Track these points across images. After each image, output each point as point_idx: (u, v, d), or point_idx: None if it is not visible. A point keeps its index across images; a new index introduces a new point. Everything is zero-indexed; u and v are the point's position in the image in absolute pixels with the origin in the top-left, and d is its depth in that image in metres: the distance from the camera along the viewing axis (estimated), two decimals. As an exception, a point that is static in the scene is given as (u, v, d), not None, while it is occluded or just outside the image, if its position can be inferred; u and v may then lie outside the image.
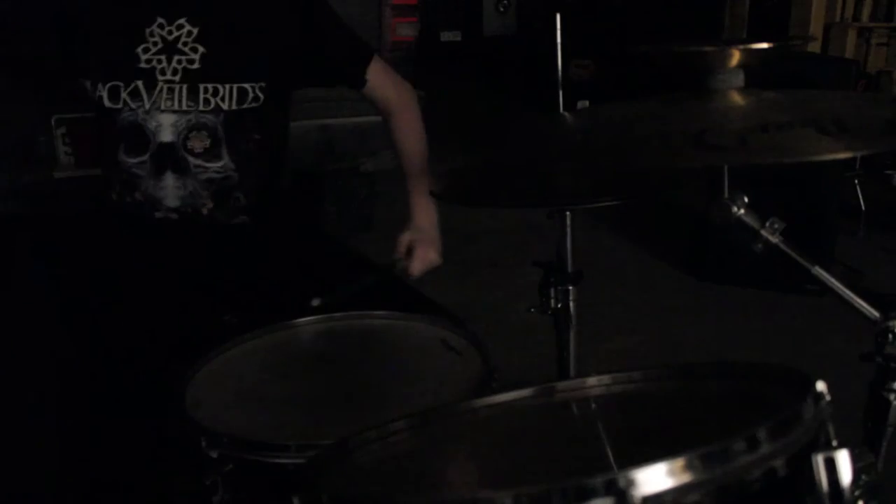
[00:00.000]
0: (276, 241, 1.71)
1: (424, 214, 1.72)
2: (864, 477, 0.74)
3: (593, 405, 0.97)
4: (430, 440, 0.94)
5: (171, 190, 1.61)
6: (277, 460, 1.05)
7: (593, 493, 0.62)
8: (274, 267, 1.66)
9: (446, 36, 7.30)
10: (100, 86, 1.57)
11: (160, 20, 1.57)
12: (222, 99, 1.59)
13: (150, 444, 1.34)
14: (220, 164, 1.61)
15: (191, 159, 1.60)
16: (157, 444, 1.31)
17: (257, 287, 1.60)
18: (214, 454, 1.06)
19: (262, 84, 1.61)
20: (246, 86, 1.60)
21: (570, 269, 1.55)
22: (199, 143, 1.60)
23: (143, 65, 1.57)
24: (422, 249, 1.66)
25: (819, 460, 0.69)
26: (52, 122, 2.76)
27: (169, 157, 1.59)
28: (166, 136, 1.58)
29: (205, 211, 1.63)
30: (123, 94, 1.57)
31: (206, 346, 1.31)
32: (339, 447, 0.89)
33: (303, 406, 1.19)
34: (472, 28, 7.35)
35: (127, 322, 1.49)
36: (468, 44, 7.33)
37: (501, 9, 7.29)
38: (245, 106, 1.61)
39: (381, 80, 1.74)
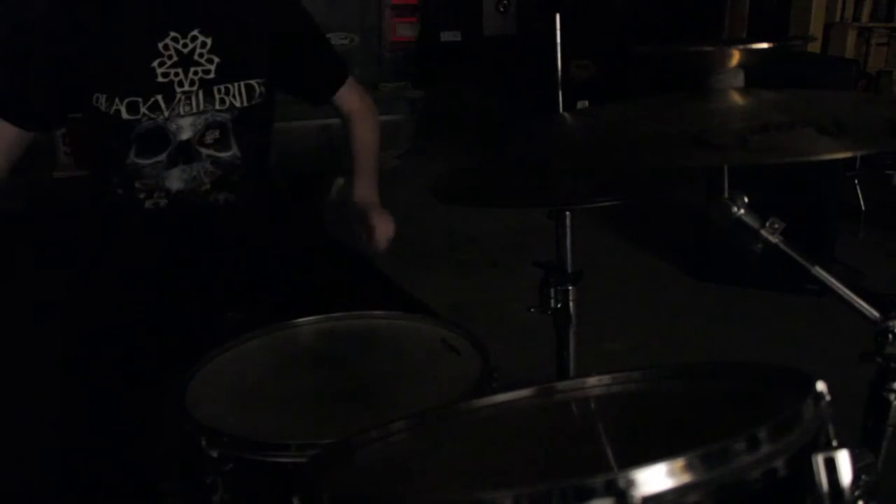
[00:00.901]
0: (271, 232, 1.72)
1: (371, 192, 1.86)
2: (864, 477, 0.74)
3: (593, 405, 0.97)
4: (430, 440, 0.94)
5: (176, 175, 1.64)
6: (278, 459, 1.05)
7: (593, 493, 0.62)
8: (272, 262, 1.66)
9: (446, 36, 7.30)
10: (117, 100, 1.57)
11: (173, 34, 1.58)
12: (234, 97, 1.64)
13: (150, 443, 1.34)
14: (229, 153, 1.67)
15: (203, 150, 1.64)
16: (157, 443, 1.31)
17: (257, 283, 1.60)
18: (214, 454, 1.06)
19: (265, 79, 1.67)
20: (252, 82, 1.65)
21: (569, 269, 1.55)
22: (211, 136, 1.64)
23: (160, 79, 1.58)
24: (381, 222, 1.76)
25: (819, 460, 0.69)
26: (52, 122, 2.75)
27: (184, 152, 1.63)
28: (185, 134, 1.62)
29: (199, 192, 1.66)
30: (143, 109, 1.58)
31: (207, 346, 1.31)
32: (340, 447, 0.89)
33: (303, 405, 1.19)
34: (472, 28, 7.34)
35: (127, 321, 1.49)
36: (468, 44, 7.32)
37: (501, 9, 7.29)
38: (254, 102, 1.66)
39: (349, 97, 1.86)
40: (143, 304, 1.52)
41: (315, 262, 1.68)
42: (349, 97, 1.86)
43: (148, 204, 1.64)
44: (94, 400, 1.41)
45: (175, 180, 1.64)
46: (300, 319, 1.40)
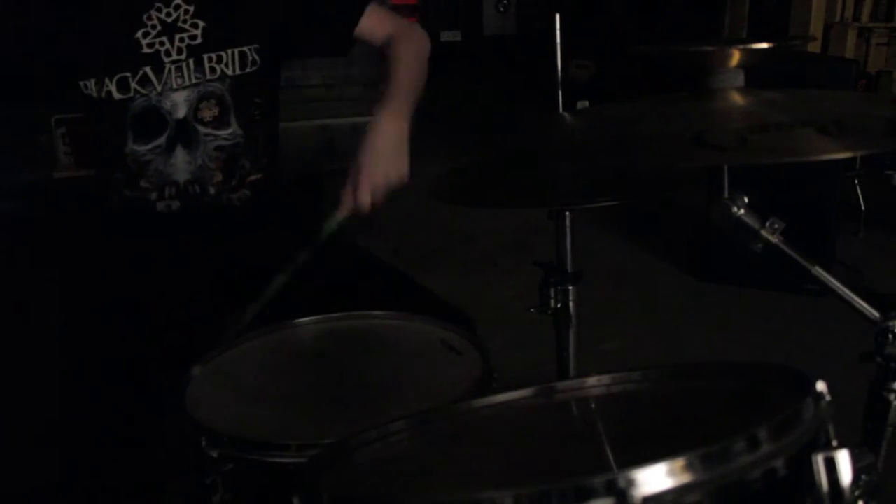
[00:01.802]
0: (278, 233, 1.71)
1: (384, 134, 1.49)
2: (864, 477, 0.74)
3: (593, 405, 0.97)
4: (430, 440, 0.94)
5: (181, 165, 1.62)
6: (278, 460, 1.05)
7: (593, 493, 0.62)
8: (275, 264, 1.66)
9: (446, 36, 7.31)
10: (107, 81, 1.56)
11: (157, 4, 1.58)
12: (226, 65, 1.62)
13: (150, 443, 1.34)
14: (228, 130, 1.65)
15: (201, 129, 1.62)
16: (157, 443, 1.31)
17: (259, 285, 1.59)
18: (214, 454, 1.06)
19: (258, 46, 1.64)
20: (245, 49, 1.63)
21: (570, 269, 1.55)
22: (208, 112, 1.62)
23: (146, 50, 1.58)
24: (366, 176, 1.45)
25: (819, 460, 0.69)
26: (52, 122, 2.76)
27: (181, 132, 1.61)
28: (181, 112, 1.61)
29: (212, 189, 1.64)
30: (133, 84, 1.57)
31: (207, 346, 1.31)
32: (340, 447, 0.89)
33: (303, 406, 1.19)
34: (472, 28, 7.35)
35: (127, 321, 1.49)
36: (468, 44, 7.33)
37: (501, 9, 7.30)
38: (247, 70, 1.64)
39: (377, 24, 1.65)
40: (143, 306, 1.51)
41: (321, 261, 1.67)
42: (378, 24, 1.64)
43: (160, 206, 1.63)
44: (94, 400, 1.41)
45: (181, 172, 1.62)
46: (300, 319, 1.40)
